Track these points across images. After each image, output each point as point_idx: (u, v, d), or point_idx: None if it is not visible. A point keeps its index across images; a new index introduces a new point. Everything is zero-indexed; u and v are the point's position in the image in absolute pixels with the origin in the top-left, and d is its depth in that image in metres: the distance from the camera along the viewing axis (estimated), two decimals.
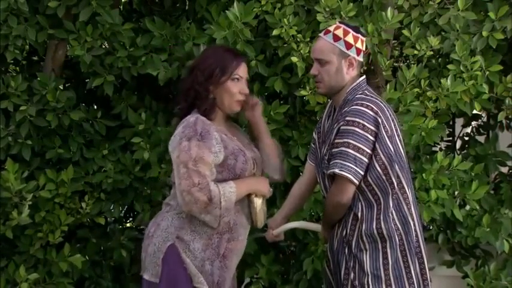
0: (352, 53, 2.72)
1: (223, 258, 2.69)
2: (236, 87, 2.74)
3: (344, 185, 2.66)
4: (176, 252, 2.65)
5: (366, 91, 2.75)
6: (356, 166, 2.63)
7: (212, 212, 2.60)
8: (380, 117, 2.65)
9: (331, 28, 2.75)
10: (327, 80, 2.73)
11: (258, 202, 2.75)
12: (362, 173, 2.64)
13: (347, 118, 2.64)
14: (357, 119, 2.63)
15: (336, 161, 2.65)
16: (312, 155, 2.96)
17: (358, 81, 2.76)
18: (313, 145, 2.94)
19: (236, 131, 2.87)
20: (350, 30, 2.74)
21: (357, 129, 2.62)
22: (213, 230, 2.66)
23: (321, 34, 2.77)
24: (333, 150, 2.67)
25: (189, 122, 2.65)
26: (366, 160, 2.64)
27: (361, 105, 2.65)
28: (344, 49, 2.71)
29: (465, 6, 3.38)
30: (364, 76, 2.81)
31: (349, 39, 2.72)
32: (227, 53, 2.77)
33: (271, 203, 3.68)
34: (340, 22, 2.81)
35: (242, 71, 2.76)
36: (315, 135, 2.93)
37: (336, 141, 2.66)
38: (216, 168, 2.64)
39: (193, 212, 2.62)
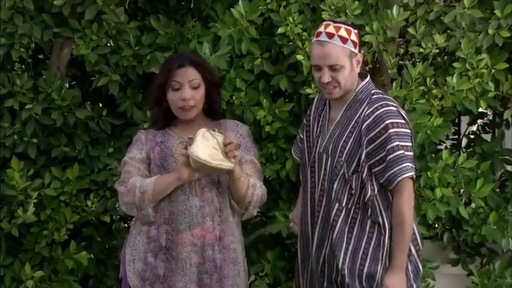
0: (357, 50, 2.72)
1: (167, 250, 2.69)
2: (175, 96, 2.75)
3: (407, 186, 2.67)
4: (125, 247, 2.79)
5: (377, 90, 2.78)
6: (411, 163, 2.66)
7: (127, 201, 2.70)
8: (403, 112, 2.74)
9: (332, 30, 2.68)
10: (344, 84, 2.70)
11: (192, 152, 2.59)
12: (414, 165, 2.68)
13: (387, 121, 2.64)
14: (395, 120, 2.66)
15: (393, 170, 2.64)
16: (299, 151, 2.96)
17: (367, 80, 2.76)
18: (300, 144, 2.93)
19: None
20: (350, 28, 2.71)
21: (400, 130, 2.65)
22: (151, 223, 2.72)
23: (324, 38, 2.68)
24: (387, 157, 2.64)
25: None
26: (413, 155, 2.70)
27: (387, 105, 2.68)
28: (353, 49, 2.69)
29: (471, 4, 3.37)
30: (369, 77, 2.81)
31: (354, 37, 2.70)
32: (167, 62, 2.84)
33: (277, 203, 3.67)
34: (332, 21, 2.74)
35: (180, 76, 2.74)
36: (302, 135, 2.91)
37: (387, 147, 2.64)
38: (150, 169, 2.77)
39: (122, 207, 2.76)
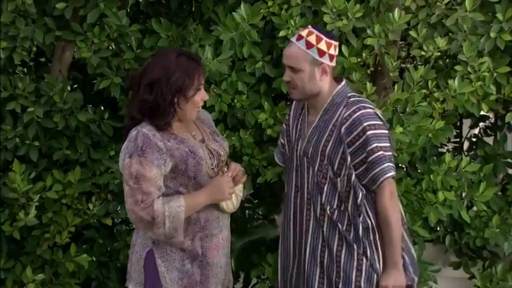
0: (325, 60, 2.72)
1: (203, 257, 2.67)
2: (199, 96, 2.69)
3: (389, 185, 2.72)
4: (153, 258, 2.65)
5: (353, 93, 2.81)
6: (391, 162, 2.72)
7: (155, 232, 2.56)
8: (380, 113, 2.79)
9: (304, 34, 2.71)
10: (301, 87, 2.73)
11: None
12: (394, 165, 2.74)
13: (365, 124, 2.67)
14: (373, 122, 2.70)
15: (375, 170, 2.69)
16: (282, 157, 2.96)
17: (343, 84, 2.80)
18: (281, 149, 2.94)
19: (195, 125, 2.79)
20: (323, 36, 2.72)
21: (378, 131, 2.70)
22: (184, 233, 2.62)
23: (293, 39, 2.72)
24: (368, 159, 2.68)
25: (130, 137, 2.61)
26: (392, 154, 2.76)
27: (364, 108, 2.73)
28: (317, 56, 2.70)
29: (473, 7, 3.37)
30: (344, 80, 2.82)
31: (322, 46, 2.71)
32: (190, 62, 2.64)
33: (278, 207, 3.67)
34: (313, 27, 2.76)
35: (204, 77, 2.70)
36: (283, 140, 2.92)
37: (367, 149, 2.68)
38: (169, 175, 2.61)
39: (140, 230, 2.63)
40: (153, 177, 2.56)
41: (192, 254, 2.66)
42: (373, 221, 2.73)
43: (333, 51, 2.73)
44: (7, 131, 3.53)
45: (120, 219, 3.96)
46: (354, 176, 2.69)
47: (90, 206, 3.58)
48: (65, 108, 3.53)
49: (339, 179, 2.71)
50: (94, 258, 3.75)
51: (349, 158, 2.69)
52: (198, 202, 2.64)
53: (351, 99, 2.75)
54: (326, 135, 2.73)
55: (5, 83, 3.52)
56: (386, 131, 2.74)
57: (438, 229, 3.80)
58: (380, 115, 2.76)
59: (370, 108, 2.73)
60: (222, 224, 2.72)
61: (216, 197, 2.66)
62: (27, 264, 3.55)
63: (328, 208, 2.73)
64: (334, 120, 2.73)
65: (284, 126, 2.95)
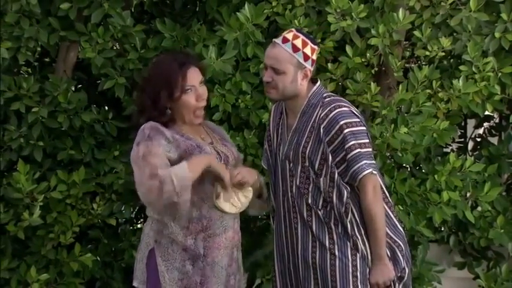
0: (308, 64, 2.73)
1: (205, 258, 2.68)
2: (192, 97, 2.69)
3: (370, 181, 2.71)
4: (154, 257, 2.68)
5: (328, 93, 2.82)
6: (369, 159, 2.71)
7: (166, 191, 2.55)
8: (356, 110, 2.77)
9: (289, 36, 2.72)
10: (281, 89, 2.74)
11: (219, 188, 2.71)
12: (375, 162, 2.74)
13: (341, 122, 2.69)
14: (349, 120, 2.71)
15: (353, 168, 2.69)
16: (266, 161, 2.96)
17: (318, 85, 2.80)
18: (265, 153, 2.95)
19: (204, 130, 2.82)
20: (308, 41, 2.74)
21: (354, 129, 2.70)
22: (187, 232, 2.65)
23: (278, 41, 2.73)
24: (347, 157, 2.69)
25: (139, 131, 2.67)
26: (372, 150, 2.75)
27: (339, 106, 2.73)
28: (302, 61, 2.71)
29: (477, 7, 3.36)
30: (319, 81, 2.83)
31: (307, 50, 2.73)
32: (172, 65, 2.68)
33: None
34: (297, 30, 2.77)
35: (192, 79, 2.69)
36: (266, 146, 2.94)
37: (345, 147, 2.69)
38: None
39: (152, 204, 2.61)
40: (160, 153, 2.60)
41: (194, 254, 2.67)
42: (357, 218, 2.75)
43: (315, 56, 2.77)
44: (12, 131, 3.54)
45: (124, 219, 3.96)
46: (336, 174, 2.71)
47: (95, 206, 3.59)
48: (69, 108, 3.54)
49: (321, 179, 2.73)
50: (98, 258, 3.76)
51: (330, 157, 2.71)
52: (198, 161, 2.62)
53: (326, 99, 2.76)
54: (305, 137, 2.76)
55: (10, 83, 3.53)
56: (364, 128, 2.74)
57: (442, 229, 3.80)
58: (356, 112, 2.76)
59: (346, 106, 2.74)
60: (225, 224, 2.72)
61: (213, 162, 2.66)
62: (31, 264, 3.56)
63: (314, 208, 2.75)
64: (312, 122, 2.76)
65: (267, 131, 2.96)
